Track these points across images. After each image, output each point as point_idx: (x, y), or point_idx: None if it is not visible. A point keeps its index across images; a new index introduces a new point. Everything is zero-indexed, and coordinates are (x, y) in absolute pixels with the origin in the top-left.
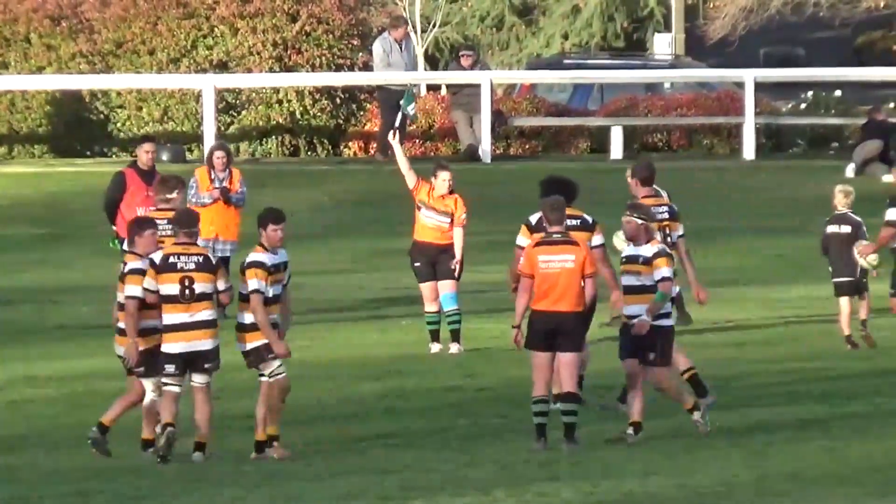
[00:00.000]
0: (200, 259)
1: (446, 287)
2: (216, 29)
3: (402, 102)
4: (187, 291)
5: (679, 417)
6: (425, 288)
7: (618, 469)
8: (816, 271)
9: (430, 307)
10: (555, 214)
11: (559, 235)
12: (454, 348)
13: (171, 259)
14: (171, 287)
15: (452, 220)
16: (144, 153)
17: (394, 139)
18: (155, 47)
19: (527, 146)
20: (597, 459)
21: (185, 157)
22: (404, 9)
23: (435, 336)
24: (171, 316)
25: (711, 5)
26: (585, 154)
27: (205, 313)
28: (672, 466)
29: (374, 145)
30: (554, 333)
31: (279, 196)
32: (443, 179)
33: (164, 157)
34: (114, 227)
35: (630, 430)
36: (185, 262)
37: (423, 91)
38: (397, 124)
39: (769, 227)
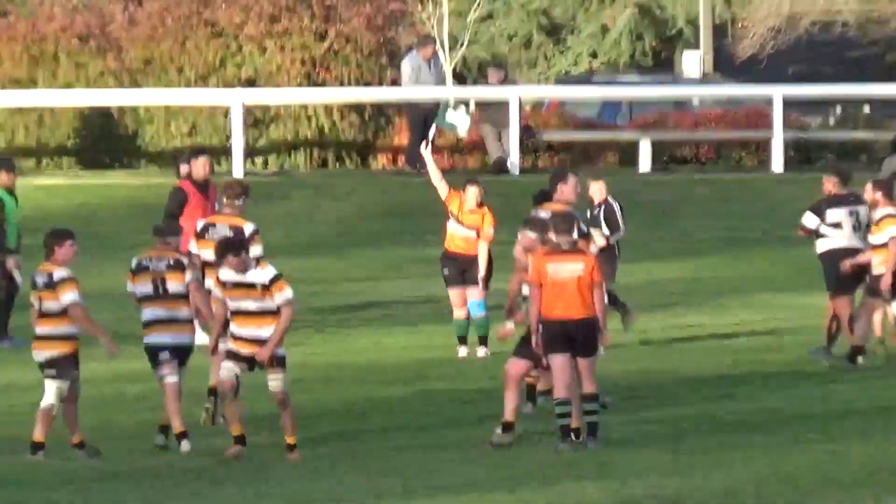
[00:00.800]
0: (172, 261)
1: (474, 294)
2: (244, 48)
3: (444, 115)
4: (161, 290)
5: (679, 421)
6: (453, 294)
7: (620, 470)
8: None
9: (458, 312)
10: (564, 226)
11: (568, 245)
12: (482, 352)
13: (144, 262)
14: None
15: (479, 234)
16: (200, 166)
17: (426, 150)
18: (183, 65)
19: (555, 159)
20: (600, 461)
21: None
22: (433, 27)
23: (462, 340)
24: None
25: (740, 25)
26: (614, 167)
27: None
28: (672, 468)
29: (403, 157)
30: (571, 337)
31: (308, 206)
32: (471, 194)
33: None
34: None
35: (498, 430)
36: (157, 264)
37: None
38: (430, 136)
39: (798, 238)
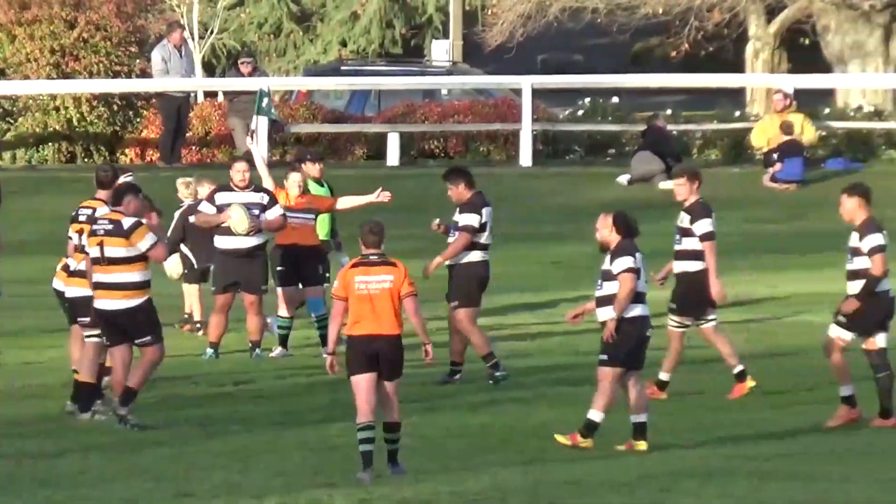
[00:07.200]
0: None
1: (313, 292)
2: None
3: (261, 107)
4: None
5: (456, 422)
6: (285, 291)
7: (391, 476)
8: (593, 278)
9: (284, 312)
10: (372, 238)
11: (376, 257)
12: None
13: None
14: None
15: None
16: None
17: (252, 143)
18: None
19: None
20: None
21: None
22: (182, 15)
23: (283, 341)
24: None
25: (490, 12)
26: (362, 161)
27: None
28: (445, 473)
29: (152, 152)
30: (376, 356)
31: (55, 203)
32: (293, 181)
33: None
34: None
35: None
36: None
37: (200, 97)
38: (253, 127)
39: (545, 233)
